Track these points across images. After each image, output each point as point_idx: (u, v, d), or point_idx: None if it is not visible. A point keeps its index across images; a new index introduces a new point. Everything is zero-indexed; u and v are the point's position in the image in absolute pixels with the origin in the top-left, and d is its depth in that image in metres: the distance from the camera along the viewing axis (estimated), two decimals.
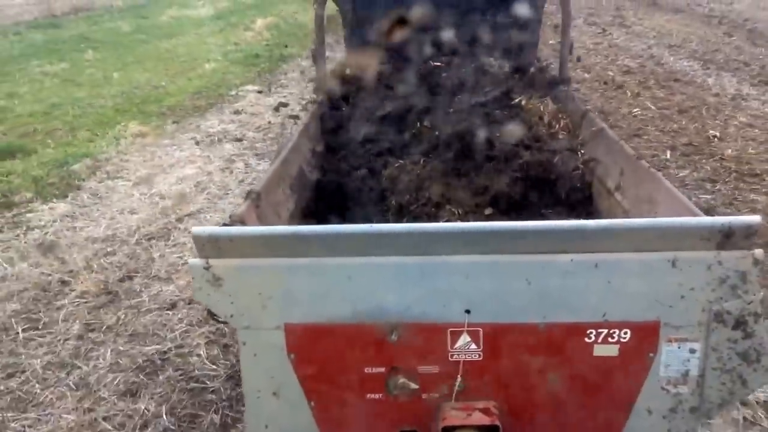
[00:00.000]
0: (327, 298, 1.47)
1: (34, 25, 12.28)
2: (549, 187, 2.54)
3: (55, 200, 4.35)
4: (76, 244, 3.77)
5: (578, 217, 2.48)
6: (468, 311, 1.47)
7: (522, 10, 3.64)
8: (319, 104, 3.24)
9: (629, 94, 6.08)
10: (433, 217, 2.36)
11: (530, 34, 3.77)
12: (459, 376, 1.50)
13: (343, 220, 2.48)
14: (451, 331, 1.48)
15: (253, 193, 1.99)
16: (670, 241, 1.41)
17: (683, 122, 5.22)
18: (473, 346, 1.49)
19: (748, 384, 1.49)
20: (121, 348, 2.83)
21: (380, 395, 1.54)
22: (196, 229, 1.46)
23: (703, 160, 4.45)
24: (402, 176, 2.55)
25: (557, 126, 2.94)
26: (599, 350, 1.48)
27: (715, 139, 4.81)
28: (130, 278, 3.38)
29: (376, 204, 2.55)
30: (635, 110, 5.59)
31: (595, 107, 5.72)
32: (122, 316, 3.04)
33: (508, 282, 1.45)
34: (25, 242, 3.80)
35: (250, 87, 7.38)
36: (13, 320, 3.06)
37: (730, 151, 4.57)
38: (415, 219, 2.37)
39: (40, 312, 3.13)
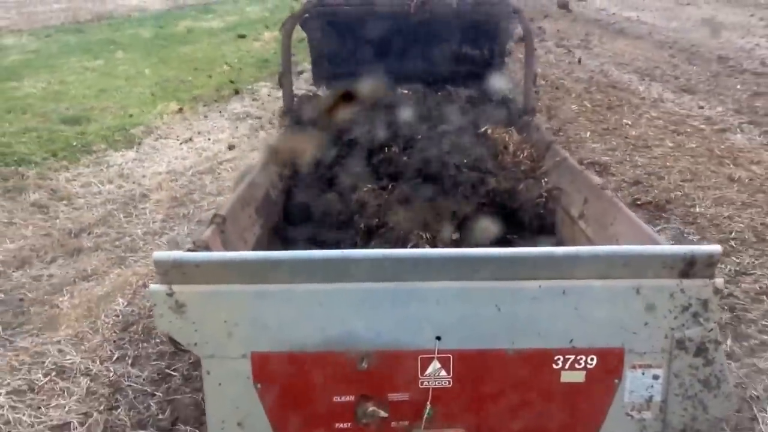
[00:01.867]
0: (296, 326, 1.50)
1: (62, 29, 13.95)
2: (514, 213, 2.70)
3: (123, 150, 5.96)
4: (146, 175, 5.36)
5: (542, 242, 2.58)
6: (438, 338, 1.51)
7: (490, 40, 3.87)
8: (286, 128, 3.42)
9: (573, 96, 7.79)
10: (401, 242, 2.43)
11: (497, 64, 3.99)
12: (428, 403, 1.54)
13: (311, 243, 2.56)
14: (421, 357, 1.52)
15: (218, 217, 2.02)
16: (634, 268, 1.49)
17: (607, 115, 6.91)
18: (443, 372, 1.53)
19: (709, 410, 1.55)
20: (193, 227, 4.41)
21: (349, 424, 1.56)
22: (159, 254, 1.48)
23: (612, 139, 6.11)
24: (371, 200, 2.65)
25: (522, 155, 3.09)
26: (566, 376, 1.54)
27: (627, 126, 6.49)
28: (191, 194, 4.97)
29: (344, 227, 2.65)
30: (573, 106, 7.29)
31: (543, 104, 7.40)
32: (190, 211, 4.62)
33: (478, 308, 1.50)
34: (108, 173, 5.39)
35: (263, 83, 9.04)
36: (114, 212, 4.64)
37: (634, 132, 6.25)
38: (384, 243, 2.44)
39: (131, 209, 4.70)
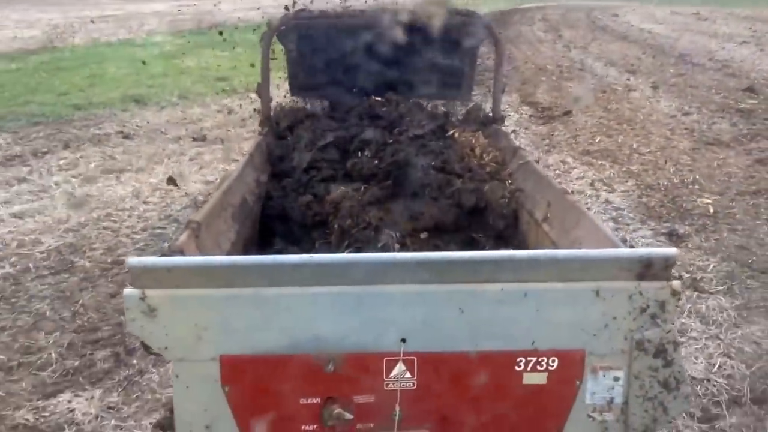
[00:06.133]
0: (264, 329, 1.57)
1: (192, 33, 18.87)
2: (479, 213, 2.87)
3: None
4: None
5: (506, 241, 2.84)
6: (404, 340, 1.58)
7: (458, 51, 4.05)
8: (264, 136, 3.56)
9: (548, 72, 11.60)
10: (372, 241, 2.59)
11: (466, 74, 4.17)
12: (397, 405, 1.61)
13: (288, 243, 2.79)
14: (386, 360, 1.59)
15: (193, 223, 2.11)
16: (593, 271, 1.57)
17: (562, 83, 10.69)
18: (408, 374, 1.60)
19: (668, 411, 1.64)
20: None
21: (315, 426, 1.63)
22: (132, 260, 1.54)
23: (554, 92, 9.91)
24: (344, 202, 2.81)
25: (487, 158, 3.29)
26: (529, 378, 1.61)
27: (569, 87, 10.27)
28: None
29: (318, 227, 2.85)
30: (543, 78, 11.11)
31: (525, 76, 11.23)
32: None
33: (442, 310, 1.57)
34: (250, 102, 9.68)
35: None
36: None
37: (571, 91, 10.03)
38: (356, 242, 2.60)
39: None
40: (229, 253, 2.34)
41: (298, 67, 4.24)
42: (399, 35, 3.80)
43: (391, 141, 3.22)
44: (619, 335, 1.59)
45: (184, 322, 1.55)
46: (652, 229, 4.83)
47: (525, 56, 13.74)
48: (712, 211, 5.09)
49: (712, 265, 4.13)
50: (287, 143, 3.52)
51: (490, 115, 3.87)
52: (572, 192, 5.42)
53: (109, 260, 4.37)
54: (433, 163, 3.01)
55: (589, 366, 1.61)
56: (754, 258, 4.24)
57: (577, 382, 1.62)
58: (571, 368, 1.61)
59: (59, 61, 12.99)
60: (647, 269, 1.55)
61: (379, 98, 4.00)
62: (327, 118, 3.80)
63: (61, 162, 6.55)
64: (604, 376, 1.61)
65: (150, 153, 6.88)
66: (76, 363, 3.26)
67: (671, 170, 6.14)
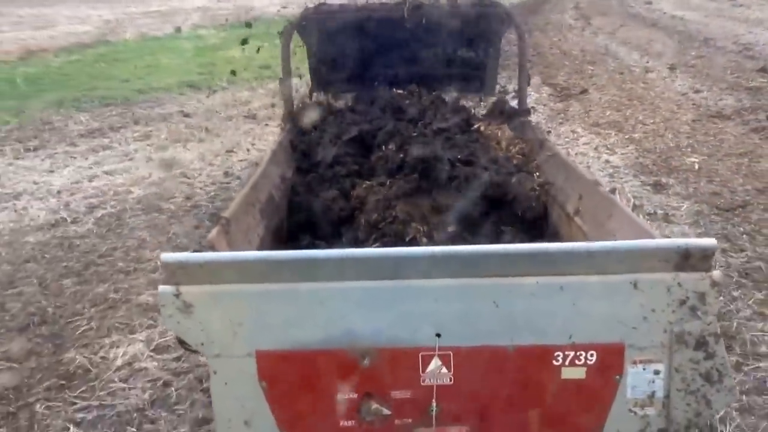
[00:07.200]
0: (299, 324, 1.60)
1: (233, 26, 20.10)
2: (507, 205, 2.90)
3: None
4: None
5: (536, 234, 2.87)
6: (438, 335, 1.59)
7: (480, 45, 4.12)
8: (287, 131, 3.65)
9: (571, 57, 12.44)
10: (400, 234, 2.64)
11: (489, 66, 4.22)
12: (434, 400, 1.63)
13: (315, 240, 2.81)
14: (422, 355, 1.61)
15: (223, 219, 2.19)
16: (630, 263, 1.57)
17: (584, 65, 11.55)
18: (444, 370, 1.62)
19: (712, 405, 1.62)
20: None
21: (353, 422, 1.65)
22: (165, 256, 1.58)
23: (575, 74, 10.77)
24: (370, 196, 2.88)
25: (513, 150, 3.37)
26: (567, 373, 1.61)
27: (590, 69, 11.11)
28: None
29: (345, 222, 2.90)
30: (566, 62, 11.96)
31: (549, 62, 12.09)
32: None
33: (477, 305, 1.59)
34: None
35: None
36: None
37: (590, 72, 10.87)
38: (383, 236, 2.66)
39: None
40: (258, 248, 2.43)
41: (319, 61, 4.43)
42: (420, 27, 3.95)
43: (415, 134, 3.31)
44: (659, 328, 1.59)
45: (219, 317, 1.59)
46: (641, 181, 5.73)
47: (552, 42, 14.58)
48: (697, 168, 5.98)
49: (685, 206, 5.04)
50: (311, 138, 3.66)
51: (516, 107, 3.98)
52: (577, 154, 6.47)
53: (189, 204, 5.51)
54: (459, 156, 3.09)
55: (629, 360, 1.61)
56: (722, 201, 5.13)
57: (617, 377, 1.63)
58: (611, 362, 1.62)
59: (115, 53, 14.37)
60: (685, 260, 1.55)
61: (401, 91, 4.13)
62: (350, 112, 3.93)
63: (135, 134, 7.78)
64: (644, 369, 1.61)
65: (209, 128, 8.03)
66: None
67: (669, 137, 7.01)
